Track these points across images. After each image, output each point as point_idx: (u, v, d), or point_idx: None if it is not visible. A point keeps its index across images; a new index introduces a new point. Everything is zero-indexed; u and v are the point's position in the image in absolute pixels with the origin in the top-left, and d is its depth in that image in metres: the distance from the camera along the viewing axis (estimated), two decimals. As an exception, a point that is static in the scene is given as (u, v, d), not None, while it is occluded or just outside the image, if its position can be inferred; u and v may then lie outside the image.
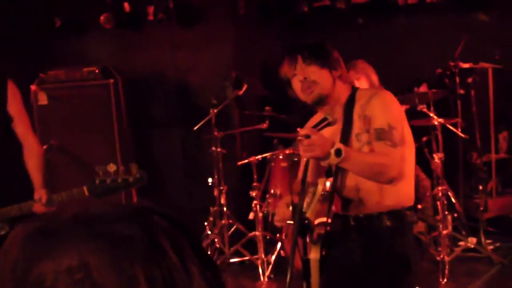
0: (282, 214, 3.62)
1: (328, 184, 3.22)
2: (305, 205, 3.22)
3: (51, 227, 1.05)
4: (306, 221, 3.09)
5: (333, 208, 3.29)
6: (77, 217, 1.07)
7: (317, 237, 3.32)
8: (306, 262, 3.13)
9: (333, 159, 3.29)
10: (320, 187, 3.12)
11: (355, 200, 3.48)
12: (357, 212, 3.49)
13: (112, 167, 3.80)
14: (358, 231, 3.49)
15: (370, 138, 3.47)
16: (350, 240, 3.53)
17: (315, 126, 3.52)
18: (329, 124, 3.47)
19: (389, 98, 3.58)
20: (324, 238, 3.33)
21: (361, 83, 7.14)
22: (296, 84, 3.58)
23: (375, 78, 6.70)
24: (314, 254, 3.32)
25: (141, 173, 3.85)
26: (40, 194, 4.13)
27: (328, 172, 3.46)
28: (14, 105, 4.35)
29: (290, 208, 3.42)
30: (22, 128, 4.40)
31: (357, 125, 3.51)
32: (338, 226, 3.43)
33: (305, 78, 3.52)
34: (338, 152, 3.27)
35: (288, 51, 3.66)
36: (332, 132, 3.54)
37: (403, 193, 3.56)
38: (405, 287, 3.62)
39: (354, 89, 3.66)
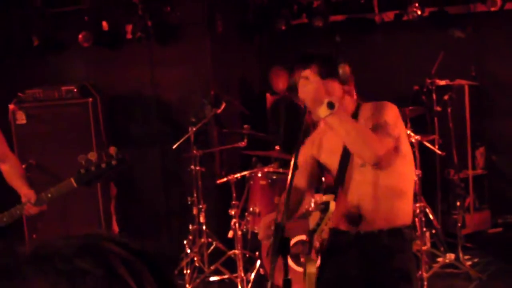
0: (265, 231, 3.58)
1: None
2: (313, 225, 3.20)
3: (10, 265, 1.04)
4: (287, 241, 3.10)
5: (331, 224, 3.28)
6: (36, 254, 1.06)
7: (316, 250, 3.38)
8: (287, 282, 3.13)
9: (324, 110, 3.31)
10: (332, 207, 3.10)
11: (355, 217, 3.49)
12: (357, 229, 3.51)
13: (93, 155, 3.89)
14: (358, 248, 3.51)
15: None
16: (349, 256, 3.56)
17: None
18: (332, 106, 3.41)
19: (392, 106, 3.60)
20: (323, 253, 3.37)
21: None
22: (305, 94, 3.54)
23: None
24: (311, 268, 3.34)
25: (122, 153, 3.92)
26: (28, 195, 4.18)
27: (327, 190, 3.48)
28: None
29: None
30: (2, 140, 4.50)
31: None
32: (338, 242, 3.47)
33: (328, 94, 3.48)
34: (330, 104, 3.30)
35: (298, 58, 3.63)
36: (337, 144, 3.58)
37: (402, 210, 3.60)
38: None
39: (359, 104, 3.67)
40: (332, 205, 3.10)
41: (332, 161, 3.68)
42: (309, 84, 3.41)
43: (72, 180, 4.00)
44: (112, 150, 3.91)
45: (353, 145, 3.45)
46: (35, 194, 4.18)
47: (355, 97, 3.71)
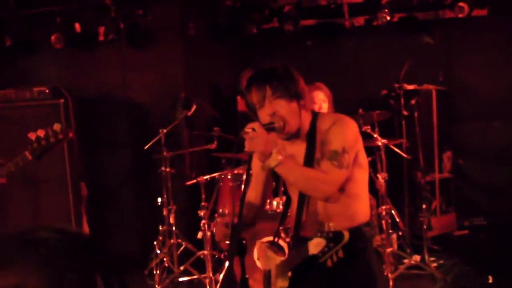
0: (221, 233, 3.70)
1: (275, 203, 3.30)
2: (315, 251, 3.23)
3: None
4: (244, 241, 3.18)
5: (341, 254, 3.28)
6: (23, 238, 1.17)
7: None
8: (244, 282, 3.21)
9: (272, 161, 3.36)
10: (346, 238, 3.15)
11: (315, 224, 3.59)
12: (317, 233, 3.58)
13: (41, 132, 4.23)
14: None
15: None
16: (312, 261, 3.63)
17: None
18: (274, 129, 3.49)
19: (349, 124, 3.62)
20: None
21: (325, 106, 7.41)
22: (264, 117, 3.53)
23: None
24: (282, 283, 3.59)
25: (66, 129, 4.30)
26: None
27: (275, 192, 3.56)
28: None
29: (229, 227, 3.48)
30: None
31: (318, 150, 3.58)
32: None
33: (274, 113, 3.50)
34: (275, 158, 3.36)
35: (255, 78, 3.58)
36: (296, 155, 3.63)
37: (359, 211, 3.71)
38: None
39: (314, 115, 3.70)
40: (346, 236, 3.15)
41: None
42: (256, 138, 3.35)
43: (27, 153, 4.34)
44: (56, 126, 4.24)
45: (303, 189, 3.59)
46: None
47: (310, 107, 3.74)
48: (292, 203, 3.80)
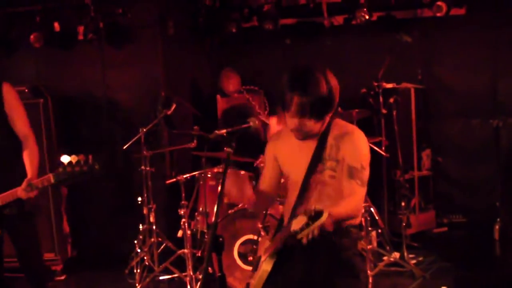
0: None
1: None
2: (296, 227, 3.33)
3: None
4: (220, 239, 3.21)
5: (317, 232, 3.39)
6: None
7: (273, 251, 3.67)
8: (221, 278, 3.24)
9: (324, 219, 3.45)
10: (324, 218, 3.25)
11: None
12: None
13: (74, 158, 4.43)
14: (308, 244, 3.54)
15: (338, 170, 3.72)
16: (300, 255, 3.77)
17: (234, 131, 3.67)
18: (249, 128, 3.61)
19: (363, 139, 3.79)
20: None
21: None
22: (290, 121, 3.74)
23: None
24: (266, 266, 3.69)
25: (95, 163, 4.48)
26: (25, 182, 4.73)
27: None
28: (10, 104, 5.09)
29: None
30: (20, 125, 5.08)
31: (327, 151, 3.74)
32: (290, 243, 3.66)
33: (301, 127, 3.72)
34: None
35: (302, 86, 3.61)
36: (306, 150, 3.83)
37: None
38: None
39: (331, 118, 3.83)
40: (324, 217, 3.23)
41: (295, 170, 3.94)
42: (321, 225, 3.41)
43: (51, 175, 4.54)
44: (81, 157, 4.43)
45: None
46: (27, 182, 4.72)
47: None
48: (289, 197, 3.99)
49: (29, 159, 4.99)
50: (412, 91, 8.60)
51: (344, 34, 8.92)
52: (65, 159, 4.45)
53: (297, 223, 3.29)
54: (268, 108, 8.50)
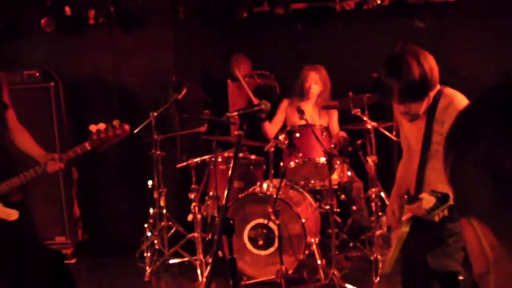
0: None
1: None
2: (427, 207, 3.57)
3: None
4: (231, 221, 3.22)
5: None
6: None
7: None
8: (232, 260, 3.25)
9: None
10: (451, 201, 3.47)
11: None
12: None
13: (102, 125, 4.76)
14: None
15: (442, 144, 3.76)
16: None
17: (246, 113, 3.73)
18: (261, 111, 3.69)
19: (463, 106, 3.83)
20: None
21: (317, 88, 7.53)
22: (396, 107, 3.98)
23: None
24: (405, 228, 3.95)
25: (121, 123, 4.86)
26: (49, 155, 4.95)
27: None
28: (8, 95, 5.17)
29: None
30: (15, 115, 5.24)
31: (434, 126, 3.97)
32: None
33: (408, 111, 3.90)
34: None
35: (391, 77, 3.81)
36: (417, 128, 4.05)
37: None
38: None
39: (439, 91, 3.97)
40: (451, 199, 3.38)
41: (413, 141, 4.23)
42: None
43: (87, 144, 4.79)
44: (116, 122, 4.81)
45: None
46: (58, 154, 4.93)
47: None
48: (413, 164, 4.18)
49: (33, 143, 5.19)
50: (424, 76, 8.55)
51: (355, 19, 8.89)
52: (93, 127, 4.75)
53: (427, 202, 3.53)
54: (279, 92, 8.49)
